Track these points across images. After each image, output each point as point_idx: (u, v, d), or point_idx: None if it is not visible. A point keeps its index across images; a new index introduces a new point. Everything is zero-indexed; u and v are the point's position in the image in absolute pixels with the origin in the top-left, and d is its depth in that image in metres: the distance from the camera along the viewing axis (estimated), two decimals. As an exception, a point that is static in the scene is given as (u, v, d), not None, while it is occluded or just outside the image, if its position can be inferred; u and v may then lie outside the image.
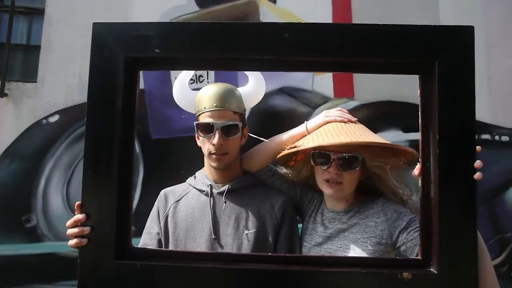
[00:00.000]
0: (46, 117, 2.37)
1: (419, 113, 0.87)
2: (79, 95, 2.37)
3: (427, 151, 0.85)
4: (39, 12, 2.49)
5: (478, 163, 0.82)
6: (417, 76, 0.88)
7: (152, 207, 1.37)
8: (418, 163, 0.89)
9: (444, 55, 0.83)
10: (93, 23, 0.90)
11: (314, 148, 1.13)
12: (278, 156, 1.22)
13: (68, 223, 0.90)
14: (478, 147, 0.83)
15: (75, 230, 0.88)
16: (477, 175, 0.82)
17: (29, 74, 2.49)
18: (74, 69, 2.38)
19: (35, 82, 2.39)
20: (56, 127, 2.36)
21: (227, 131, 1.21)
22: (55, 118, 2.38)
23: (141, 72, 0.94)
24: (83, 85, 2.36)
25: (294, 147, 1.18)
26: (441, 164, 0.81)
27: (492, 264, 0.95)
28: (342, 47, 0.86)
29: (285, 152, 1.19)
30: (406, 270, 0.81)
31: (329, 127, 1.19)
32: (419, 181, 0.87)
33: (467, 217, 0.81)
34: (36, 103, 2.37)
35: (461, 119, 0.82)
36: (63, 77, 2.38)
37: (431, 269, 0.82)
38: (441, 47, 0.84)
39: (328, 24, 0.90)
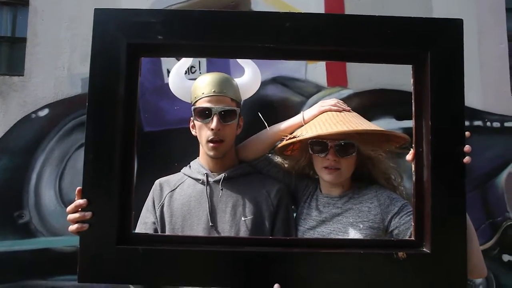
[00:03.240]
0: (35, 111, 2.32)
1: (412, 101, 0.90)
2: (68, 88, 2.32)
3: (420, 137, 0.89)
4: (24, 3, 2.41)
5: (467, 148, 0.87)
6: (410, 65, 0.92)
7: (146, 199, 1.36)
8: (411, 149, 0.93)
9: (435, 45, 0.87)
10: (95, 8, 0.90)
11: (314, 138, 1.17)
12: (278, 146, 1.25)
13: (69, 208, 0.90)
14: (467, 133, 0.88)
15: (76, 215, 0.88)
16: (466, 159, 0.86)
17: (16, 67, 2.42)
18: (62, 61, 2.33)
19: (22, 75, 2.33)
20: (46, 121, 2.31)
21: (225, 116, 1.22)
22: (45, 112, 2.32)
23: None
24: (73, 78, 2.31)
25: (294, 137, 1.21)
26: (433, 149, 0.85)
27: (477, 238, 1.01)
28: (340, 37, 0.89)
29: (284, 142, 1.22)
30: (401, 250, 0.85)
31: (325, 117, 1.23)
32: (413, 165, 0.91)
33: (457, 199, 0.86)
34: (24, 97, 2.31)
35: (451, 106, 0.86)
36: (52, 70, 2.32)
37: (424, 249, 0.87)
38: (432, 38, 0.87)
39: (326, 15, 0.94)
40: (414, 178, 0.89)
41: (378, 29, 0.88)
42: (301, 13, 0.91)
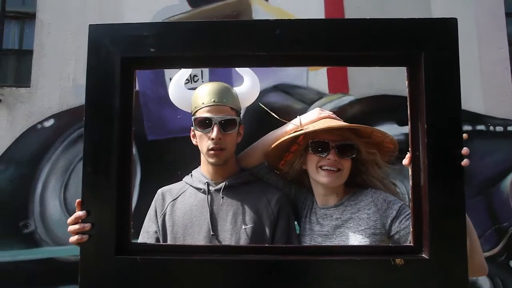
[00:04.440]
0: (41, 122, 2.36)
1: (408, 103, 0.89)
2: (73, 98, 2.36)
3: (416, 140, 0.87)
4: (31, 17, 2.48)
5: (465, 150, 0.84)
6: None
7: (149, 207, 1.37)
8: (408, 152, 0.91)
9: (429, 46, 0.86)
10: (89, 25, 0.92)
11: (323, 129, 1.18)
12: (279, 141, 1.24)
13: (69, 220, 0.92)
14: (464, 135, 0.85)
15: (76, 226, 0.89)
16: (465, 162, 0.84)
17: (23, 79, 2.47)
18: (68, 72, 2.37)
19: (29, 86, 2.37)
20: (51, 132, 2.35)
21: (225, 126, 1.23)
22: (50, 122, 2.36)
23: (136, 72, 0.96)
24: (78, 89, 2.35)
25: (301, 130, 1.22)
26: (429, 152, 0.83)
27: (477, 237, 1.00)
28: (331, 42, 0.89)
29: (290, 136, 1.22)
30: (398, 256, 0.84)
31: (326, 120, 1.23)
32: (410, 169, 0.90)
33: (456, 203, 0.83)
34: (30, 108, 2.36)
35: (447, 108, 0.85)
36: (57, 81, 2.37)
37: (423, 255, 0.85)
38: (426, 39, 0.86)
39: (316, 20, 0.93)
40: (411, 183, 0.88)
41: (371, 32, 0.88)
42: (290, 19, 0.92)
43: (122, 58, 0.89)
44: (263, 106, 1.29)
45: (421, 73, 0.85)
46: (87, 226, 0.88)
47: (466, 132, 0.86)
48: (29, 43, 2.49)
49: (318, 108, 1.32)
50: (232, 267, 0.87)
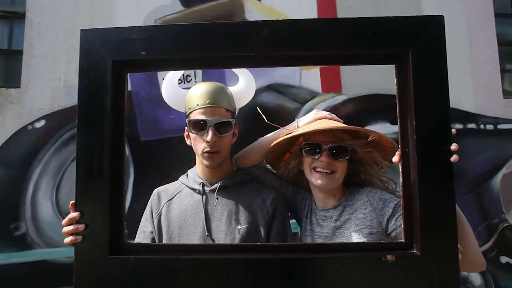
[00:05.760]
0: (31, 123, 2.32)
1: (397, 100, 0.90)
2: (65, 99, 2.33)
3: (405, 137, 0.88)
4: (20, 16, 2.44)
5: (454, 146, 0.84)
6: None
7: (144, 209, 1.36)
8: (398, 150, 0.92)
9: (417, 44, 0.86)
10: (81, 29, 0.94)
11: (312, 132, 1.17)
12: (274, 143, 1.24)
13: (63, 221, 0.93)
14: (453, 131, 0.86)
15: (70, 228, 0.90)
16: (454, 158, 0.84)
17: (12, 79, 2.43)
18: (58, 73, 2.34)
19: (19, 87, 2.34)
20: (42, 133, 2.32)
21: (220, 128, 1.22)
22: (41, 123, 2.33)
23: (128, 74, 0.96)
24: (69, 89, 2.32)
25: (290, 133, 1.21)
26: (419, 149, 0.84)
27: (472, 233, 1.00)
28: (320, 41, 0.89)
29: (281, 138, 1.22)
30: (390, 253, 0.84)
31: (320, 121, 1.23)
32: (400, 166, 0.90)
33: (446, 199, 0.84)
34: (21, 109, 2.32)
35: (436, 105, 0.85)
36: (48, 82, 2.33)
37: (414, 251, 0.86)
38: (414, 37, 0.87)
39: (304, 20, 0.94)
40: (401, 179, 0.88)
41: (359, 31, 0.88)
42: (278, 20, 0.92)
43: (113, 61, 0.90)
44: (261, 113, 1.29)
45: (409, 70, 0.86)
46: (81, 227, 0.89)
47: (457, 130, 0.87)
48: (18, 43, 2.45)
49: (315, 110, 1.32)
50: (226, 266, 0.88)
